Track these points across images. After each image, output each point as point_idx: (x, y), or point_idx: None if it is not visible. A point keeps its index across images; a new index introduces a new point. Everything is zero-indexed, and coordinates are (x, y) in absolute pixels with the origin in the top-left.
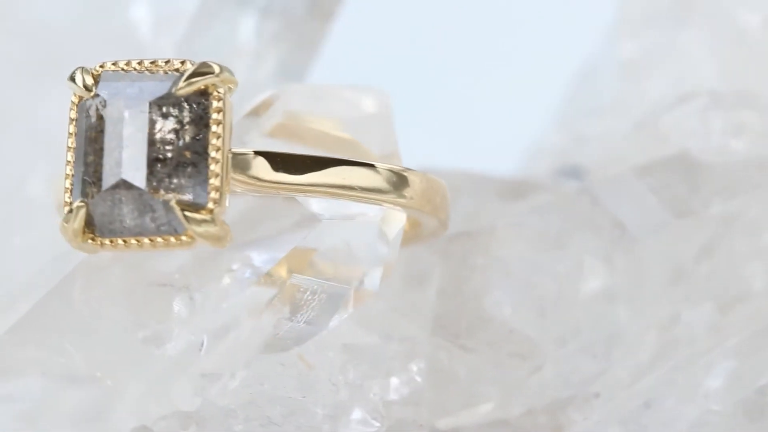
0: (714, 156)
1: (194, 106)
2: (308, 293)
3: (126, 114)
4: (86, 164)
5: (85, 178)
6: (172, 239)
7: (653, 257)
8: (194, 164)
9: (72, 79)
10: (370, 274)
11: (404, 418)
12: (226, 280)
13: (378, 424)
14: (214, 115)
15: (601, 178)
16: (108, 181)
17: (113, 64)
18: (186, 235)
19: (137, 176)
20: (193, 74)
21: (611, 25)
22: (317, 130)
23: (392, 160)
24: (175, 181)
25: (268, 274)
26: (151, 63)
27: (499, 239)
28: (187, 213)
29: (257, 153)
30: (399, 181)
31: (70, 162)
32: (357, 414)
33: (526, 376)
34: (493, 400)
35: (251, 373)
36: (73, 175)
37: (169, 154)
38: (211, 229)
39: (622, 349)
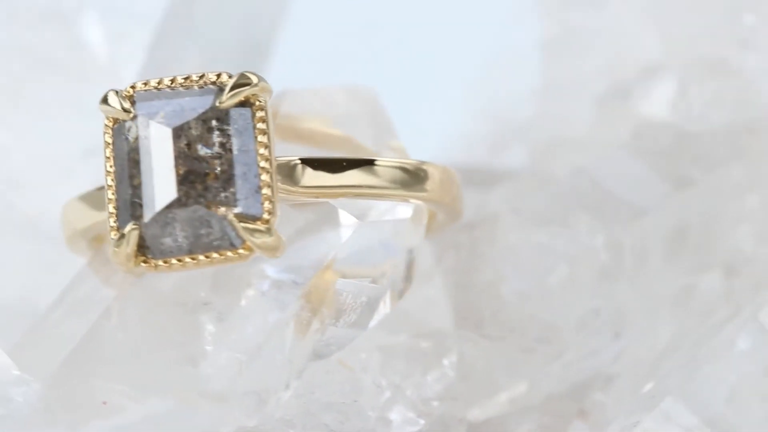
0: (698, 125)
1: (237, 117)
2: (350, 296)
3: (170, 132)
4: (133, 187)
5: (135, 200)
6: (229, 253)
7: (657, 231)
8: (244, 176)
9: (105, 102)
10: (402, 270)
11: (444, 414)
12: (250, 292)
13: (422, 422)
14: (259, 125)
15: (593, 156)
16: (161, 201)
17: (144, 84)
18: (243, 247)
19: (190, 193)
20: (235, 86)
21: (529, 8)
22: (313, 130)
23: (401, 153)
24: (227, 194)
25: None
26: (184, 79)
27: (503, 227)
28: (245, 225)
29: (300, 159)
30: (422, 175)
31: (111, 186)
32: (402, 413)
33: (551, 360)
34: (521, 387)
35: (301, 382)
36: (117, 200)
37: (219, 168)
38: (268, 239)
39: (640, 326)
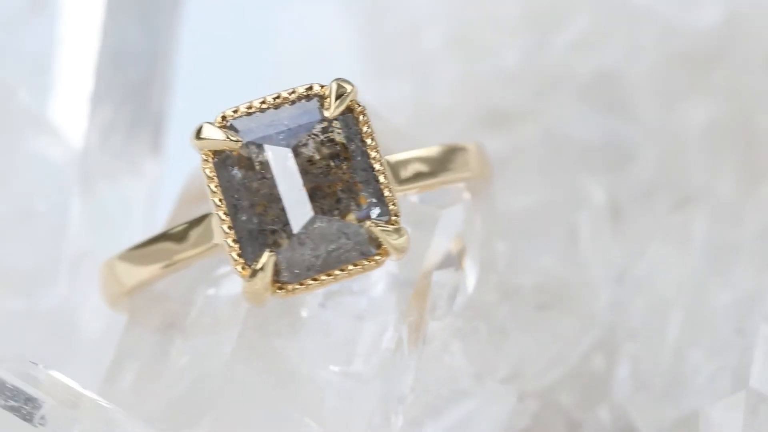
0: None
1: (344, 125)
2: (438, 287)
3: (289, 152)
4: (259, 215)
5: (264, 228)
6: (366, 262)
7: (651, 171)
8: (367, 181)
9: (200, 136)
10: (469, 252)
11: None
12: (303, 313)
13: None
14: (365, 129)
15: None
16: (297, 222)
17: (234, 111)
18: (379, 253)
19: (324, 208)
20: (338, 95)
21: None
22: None
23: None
24: (357, 202)
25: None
26: (275, 98)
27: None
28: (383, 228)
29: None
30: (466, 154)
31: (225, 220)
32: (508, 400)
33: (584, 320)
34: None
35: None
36: (236, 232)
37: (343, 178)
38: (402, 240)
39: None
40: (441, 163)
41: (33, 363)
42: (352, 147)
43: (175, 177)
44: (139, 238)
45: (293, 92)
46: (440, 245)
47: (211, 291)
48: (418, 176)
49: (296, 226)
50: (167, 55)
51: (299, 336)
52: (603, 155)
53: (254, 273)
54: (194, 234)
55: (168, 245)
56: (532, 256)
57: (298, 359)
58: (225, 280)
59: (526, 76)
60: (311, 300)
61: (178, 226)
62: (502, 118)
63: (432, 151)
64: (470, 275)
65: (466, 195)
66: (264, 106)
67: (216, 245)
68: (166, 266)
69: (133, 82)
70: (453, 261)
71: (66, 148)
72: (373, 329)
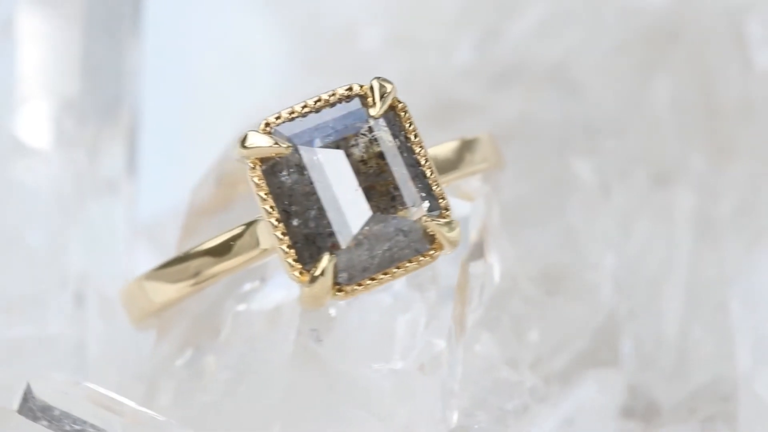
0: None
1: (389, 123)
2: (473, 279)
3: (340, 153)
4: (314, 219)
5: (320, 231)
6: (421, 258)
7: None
8: (417, 177)
9: (245, 145)
10: (491, 243)
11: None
12: (332, 312)
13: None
14: (407, 125)
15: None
16: (355, 222)
17: (276, 117)
18: (433, 248)
19: (380, 207)
20: (382, 94)
21: None
22: None
23: None
24: (411, 199)
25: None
26: (315, 102)
27: None
28: (437, 223)
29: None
30: (485, 147)
31: (278, 227)
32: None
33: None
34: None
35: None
36: (291, 237)
37: (396, 176)
38: (455, 233)
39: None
40: (462, 157)
41: (78, 382)
42: (401, 143)
43: (150, 194)
44: (122, 257)
45: (333, 94)
46: (469, 237)
47: (241, 307)
48: (443, 171)
49: (355, 227)
50: (133, 72)
51: (335, 336)
52: (576, 139)
53: (314, 278)
54: (238, 245)
55: (205, 260)
56: (530, 243)
57: (340, 359)
58: (254, 295)
59: (480, 68)
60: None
61: (214, 239)
62: (453, 112)
63: (452, 145)
64: (495, 265)
65: (486, 186)
66: (306, 110)
67: (264, 251)
68: (196, 283)
69: (104, 101)
70: (480, 252)
71: (40, 171)
72: (405, 325)
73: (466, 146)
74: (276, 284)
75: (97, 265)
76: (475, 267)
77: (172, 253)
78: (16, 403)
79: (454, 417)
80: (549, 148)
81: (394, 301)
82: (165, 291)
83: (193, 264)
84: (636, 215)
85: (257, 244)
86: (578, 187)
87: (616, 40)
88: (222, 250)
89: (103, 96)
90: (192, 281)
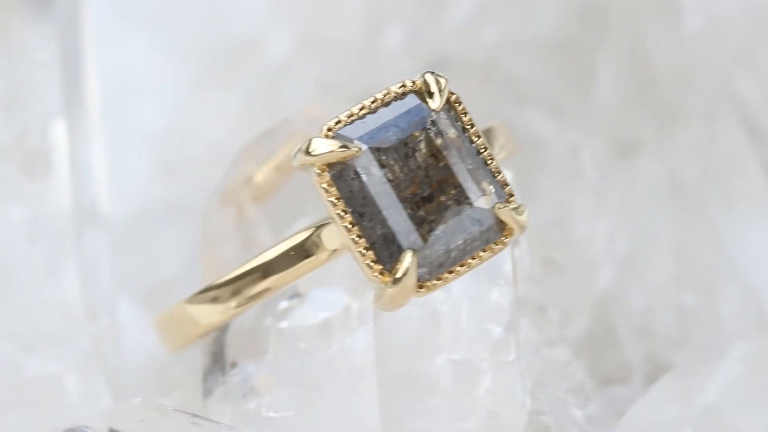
0: None
1: (446, 115)
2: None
3: (407, 151)
4: (391, 218)
5: (399, 229)
6: (493, 245)
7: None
8: (480, 167)
9: (309, 152)
10: None
11: None
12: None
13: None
14: (463, 116)
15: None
16: (430, 218)
17: (337, 122)
18: (504, 234)
19: (451, 200)
20: (440, 87)
21: None
22: None
23: None
24: (478, 189)
25: None
26: (372, 102)
27: None
28: (509, 208)
29: None
30: (503, 135)
31: (352, 230)
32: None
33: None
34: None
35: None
36: (367, 240)
37: (461, 168)
38: (525, 216)
39: None
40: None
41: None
42: (459, 135)
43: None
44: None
45: (387, 93)
46: None
47: (283, 324)
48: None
49: (429, 223)
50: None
51: (385, 330)
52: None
53: (397, 279)
54: (298, 255)
55: (254, 277)
56: None
57: (401, 358)
58: (294, 312)
59: (406, 62)
60: None
61: (264, 254)
62: None
63: None
64: (525, 250)
65: (508, 173)
66: (363, 111)
67: (333, 252)
68: (244, 303)
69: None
70: None
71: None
72: (447, 315)
73: (491, 135)
74: (317, 299)
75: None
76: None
77: None
78: None
79: (527, 402)
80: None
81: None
82: (210, 313)
83: (242, 282)
84: (609, 189)
85: (320, 250)
86: (549, 166)
87: (550, 26)
88: (279, 266)
89: None
90: (238, 300)
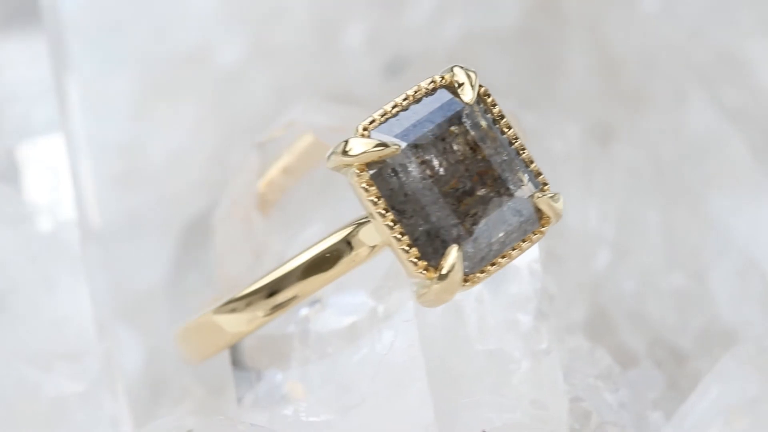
0: None
1: (478, 108)
2: None
3: (447, 145)
4: (434, 213)
5: (442, 224)
6: (533, 235)
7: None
8: (514, 158)
9: (347, 153)
10: None
11: None
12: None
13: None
14: (493, 108)
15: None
16: (472, 212)
17: (371, 121)
18: (542, 223)
19: (491, 191)
20: (471, 83)
21: None
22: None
23: None
24: (516, 180)
25: None
26: (404, 100)
27: None
28: (547, 197)
29: None
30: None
31: (393, 228)
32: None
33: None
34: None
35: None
36: (410, 236)
37: (497, 160)
38: (560, 203)
39: None
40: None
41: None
42: (492, 126)
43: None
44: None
45: (418, 90)
46: None
47: (307, 329)
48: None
49: (472, 216)
50: None
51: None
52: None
53: (443, 275)
54: (335, 255)
55: (288, 280)
56: None
57: (440, 349)
58: (317, 318)
59: (367, 62)
60: None
61: (301, 256)
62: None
63: None
64: None
65: None
66: (396, 109)
67: (373, 248)
68: (267, 314)
69: None
70: None
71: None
72: (470, 305)
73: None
74: (339, 305)
75: None
76: None
77: None
78: None
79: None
80: None
81: None
82: (238, 322)
83: (276, 287)
84: (591, 175)
85: (358, 249)
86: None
87: (511, 19)
88: (316, 267)
89: None
90: (268, 308)
